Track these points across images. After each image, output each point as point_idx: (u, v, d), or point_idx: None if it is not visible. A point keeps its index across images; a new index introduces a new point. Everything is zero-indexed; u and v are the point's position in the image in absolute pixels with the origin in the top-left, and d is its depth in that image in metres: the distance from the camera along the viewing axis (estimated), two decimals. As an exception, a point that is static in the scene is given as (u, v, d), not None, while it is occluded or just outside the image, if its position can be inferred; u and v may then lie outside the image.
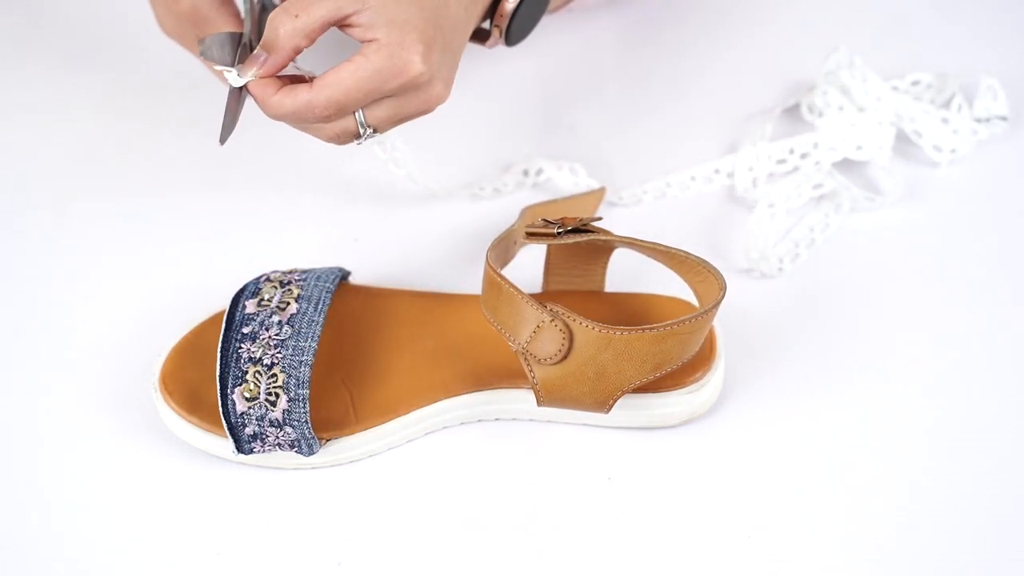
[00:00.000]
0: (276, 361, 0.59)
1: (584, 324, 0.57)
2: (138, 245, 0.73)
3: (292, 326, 0.60)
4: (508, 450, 0.63)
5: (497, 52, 0.84)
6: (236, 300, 0.62)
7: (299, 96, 0.57)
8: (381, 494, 0.61)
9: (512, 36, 0.67)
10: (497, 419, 0.64)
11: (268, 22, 0.57)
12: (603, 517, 0.60)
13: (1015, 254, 0.73)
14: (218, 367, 0.59)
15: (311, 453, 0.61)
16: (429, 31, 0.58)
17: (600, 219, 0.63)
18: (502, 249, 0.63)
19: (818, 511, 0.60)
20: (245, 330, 0.60)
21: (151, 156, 0.79)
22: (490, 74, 0.84)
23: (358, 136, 0.60)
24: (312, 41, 0.58)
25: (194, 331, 0.64)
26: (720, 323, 0.66)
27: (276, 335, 0.60)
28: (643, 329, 0.57)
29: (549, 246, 0.66)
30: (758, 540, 0.59)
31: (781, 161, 0.77)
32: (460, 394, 0.63)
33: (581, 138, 0.80)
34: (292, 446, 0.60)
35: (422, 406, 0.62)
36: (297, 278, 0.64)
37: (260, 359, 0.59)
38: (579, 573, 0.58)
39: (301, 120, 0.58)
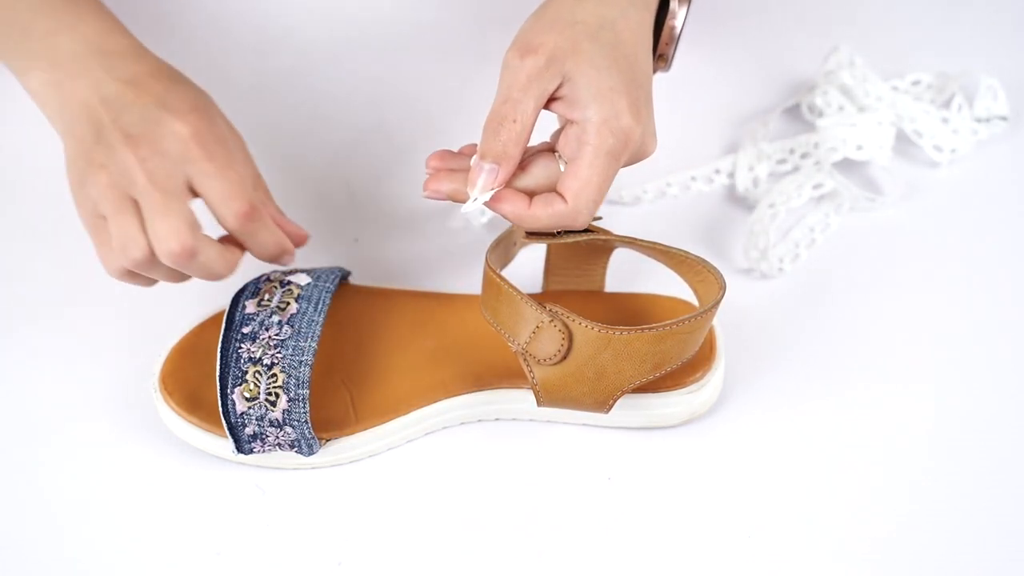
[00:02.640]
0: (276, 361, 0.59)
1: (583, 324, 0.57)
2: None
3: (292, 326, 0.60)
4: (508, 450, 0.63)
5: (497, 52, 0.84)
6: (236, 300, 0.62)
7: (556, 207, 0.56)
8: (381, 494, 0.61)
9: (671, 60, 0.65)
10: (497, 419, 0.64)
11: (486, 130, 0.56)
12: (603, 517, 0.60)
13: (1015, 254, 0.73)
14: (218, 367, 0.59)
15: (311, 453, 0.61)
16: (633, 91, 0.57)
17: (600, 218, 0.63)
18: (502, 250, 0.63)
19: (818, 511, 0.60)
20: (245, 330, 0.60)
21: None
22: (491, 74, 0.84)
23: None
24: (530, 135, 0.57)
25: (194, 331, 0.64)
26: (720, 323, 0.66)
27: (276, 335, 0.60)
28: (642, 329, 0.57)
29: (549, 246, 0.66)
30: (758, 540, 0.59)
31: (781, 161, 0.77)
32: (460, 394, 0.63)
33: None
34: (292, 446, 0.60)
35: (422, 406, 0.62)
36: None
37: (260, 359, 0.59)
38: (579, 573, 0.58)
39: (558, 228, 0.58)
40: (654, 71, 0.64)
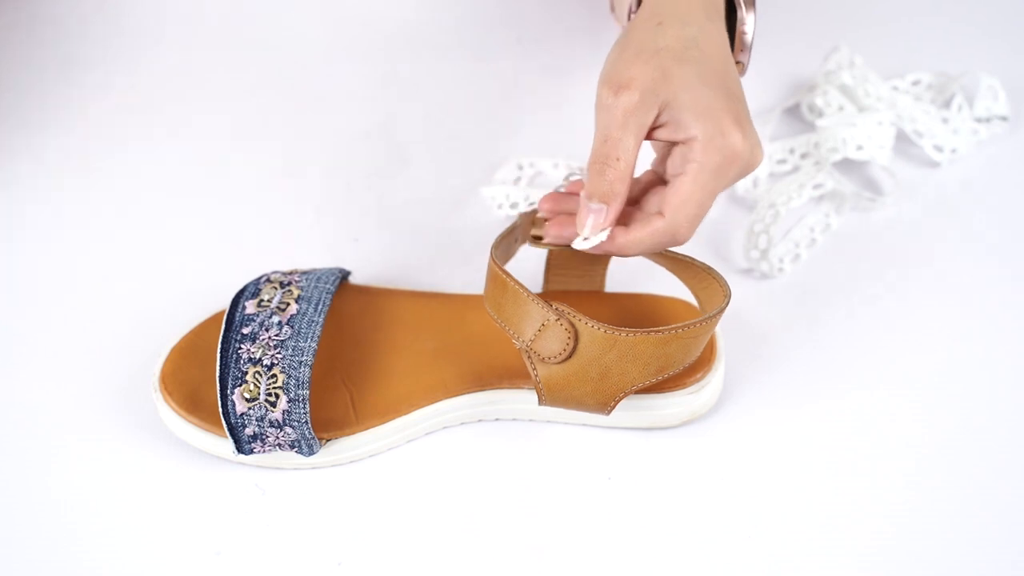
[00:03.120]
0: (276, 362, 0.59)
1: (590, 324, 0.57)
2: (138, 245, 0.73)
3: (292, 326, 0.60)
4: (508, 450, 0.63)
5: (496, 52, 0.84)
6: (236, 301, 0.62)
7: (655, 225, 0.56)
8: (381, 494, 0.61)
9: (747, 66, 0.64)
10: (497, 419, 0.64)
11: (591, 171, 0.56)
12: (603, 517, 0.60)
13: (1015, 254, 0.73)
14: (218, 368, 0.59)
15: (311, 453, 0.61)
16: (733, 105, 0.56)
17: None
18: (504, 247, 0.63)
19: (818, 511, 0.60)
20: (245, 331, 0.60)
21: (151, 156, 0.79)
22: (490, 74, 0.84)
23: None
24: (634, 170, 0.57)
25: (194, 331, 0.64)
26: (720, 324, 0.66)
27: (276, 336, 0.60)
28: (648, 331, 0.57)
29: (550, 246, 0.66)
30: (758, 540, 0.59)
31: (781, 161, 0.77)
32: (460, 394, 0.63)
33: (581, 138, 0.80)
34: (292, 446, 0.60)
35: (422, 406, 0.62)
36: (297, 279, 0.64)
37: (260, 359, 0.59)
38: (579, 573, 0.58)
39: (660, 247, 0.58)
40: None
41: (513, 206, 0.74)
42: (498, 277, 0.58)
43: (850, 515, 0.60)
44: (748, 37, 0.61)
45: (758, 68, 0.85)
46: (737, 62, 0.62)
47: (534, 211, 0.68)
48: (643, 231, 0.57)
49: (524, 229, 0.63)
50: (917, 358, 0.67)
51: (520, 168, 0.77)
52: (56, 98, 0.82)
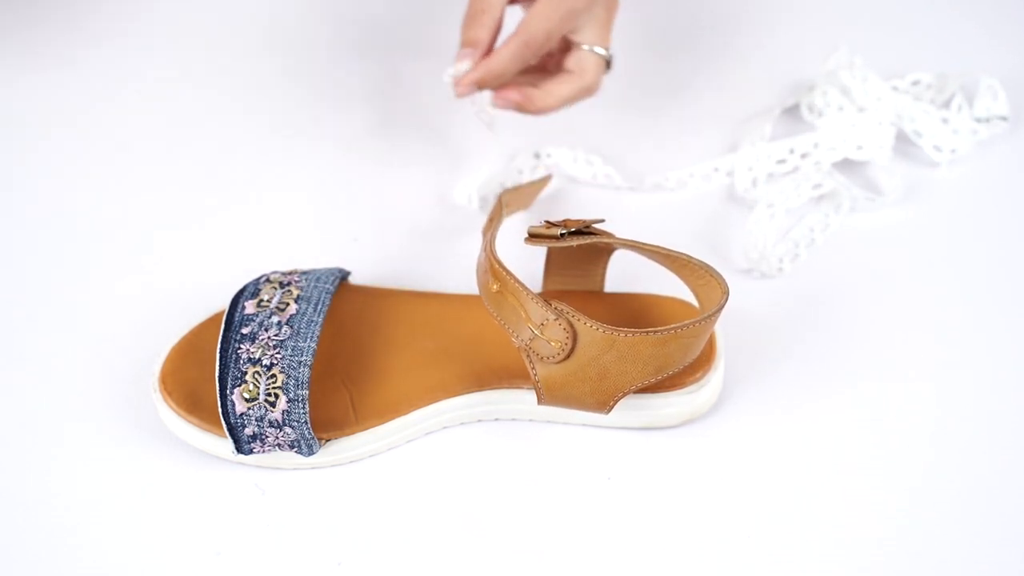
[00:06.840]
0: (275, 362, 0.59)
1: (588, 324, 0.57)
2: (138, 244, 0.74)
3: (291, 326, 0.60)
4: (508, 450, 0.63)
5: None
6: (235, 301, 0.62)
7: (509, 41, 0.68)
8: (381, 494, 0.61)
9: None
10: (497, 419, 0.64)
11: (464, 25, 0.70)
12: (603, 517, 0.60)
13: (1015, 254, 0.73)
14: (217, 368, 0.59)
15: (311, 453, 0.61)
16: None
17: (603, 220, 0.63)
18: (490, 236, 0.64)
19: (818, 511, 0.60)
20: (244, 331, 0.60)
21: (151, 155, 0.79)
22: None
23: (608, 66, 0.72)
24: (499, 25, 0.70)
25: (194, 331, 0.64)
26: (720, 323, 0.66)
27: (275, 336, 0.60)
28: (647, 332, 0.57)
29: (549, 247, 0.66)
30: (758, 540, 0.59)
31: (781, 161, 0.77)
32: (460, 394, 0.63)
33: (581, 139, 0.80)
34: (292, 446, 0.60)
35: (422, 406, 0.62)
36: (297, 279, 0.64)
37: (259, 360, 0.59)
38: (579, 573, 0.58)
39: (525, 59, 0.69)
40: None
41: (483, 200, 0.75)
42: (499, 274, 0.58)
43: (850, 515, 0.60)
44: None
45: (758, 68, 0.85)
46: None
47: (505, 193, 0.70)
48: (503, 47, 0.68)
49: (497, 212, 0.66)
50: (917, 358, 0.67)
51: (537, 157, 0.77)
52: (56, 97, 0.82)
